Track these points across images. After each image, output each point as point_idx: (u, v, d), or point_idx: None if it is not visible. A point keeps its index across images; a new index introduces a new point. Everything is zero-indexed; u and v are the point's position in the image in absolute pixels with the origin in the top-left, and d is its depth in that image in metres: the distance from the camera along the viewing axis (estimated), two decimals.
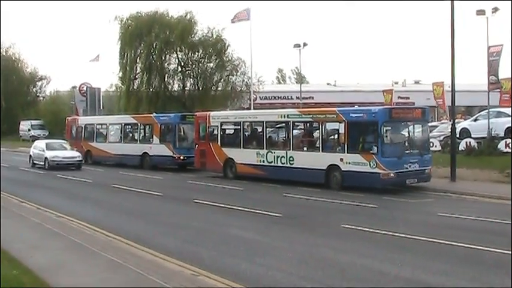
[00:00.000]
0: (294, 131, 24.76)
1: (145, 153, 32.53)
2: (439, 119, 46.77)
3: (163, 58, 51.04)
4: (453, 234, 13.36)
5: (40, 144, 35.13)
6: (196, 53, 51.40)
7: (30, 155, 35.28)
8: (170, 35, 49.06)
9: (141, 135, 34.38)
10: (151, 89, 51.42)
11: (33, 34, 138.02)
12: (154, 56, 50.68)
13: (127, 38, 49.95)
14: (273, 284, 9.69)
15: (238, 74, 51.24)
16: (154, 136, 32.93)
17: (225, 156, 27.00)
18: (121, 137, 35.66)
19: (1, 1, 52.87)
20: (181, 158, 30.88)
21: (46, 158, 32.78)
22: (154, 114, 34.75)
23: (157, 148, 32.00)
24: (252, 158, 25.56)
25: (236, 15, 43.03)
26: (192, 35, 50.66)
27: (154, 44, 50.11)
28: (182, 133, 31.86)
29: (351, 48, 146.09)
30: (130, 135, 35.63)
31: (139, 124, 34.71)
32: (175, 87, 53.36)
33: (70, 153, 33.57)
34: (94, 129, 38.00)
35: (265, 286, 9.61)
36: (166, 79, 52.19)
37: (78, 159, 33.13)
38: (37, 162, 34.00)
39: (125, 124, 36.02)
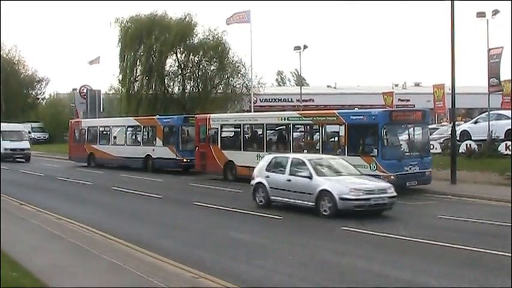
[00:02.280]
0: (294, 133, 24.76)
1: (148, 155, 32.39)
2: (439, 121, 46.79)
3: (163, 60, 51.04)
4: (453, 237, 13.37)
5: (292, 163, 17.64)
6: (197, 55, 51.43)
7: (260, 184, 18.12)
8: (170, 37, 49.06)
9: (145, 137, 34.17)
10: (151, 92, 51.41)
11: (33, 36, 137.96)
12: (154, 58, 50.68)
13: (127, 40, 49.93)
14: (273, 286, 9.68)
15: (239, 76, 51.29)
16: (157, 138, 32.74)
17: (225, 159, 26.98)
18: (124, 140, 35.43)
19: (1, 2, 52.59)
20: (185, 160, 30.60)
21: (330, 195, 15.94)
22: (158, 116, 34.62)
23: (161, 151, 31.80)
24: (252, 161, 25.43)
25: (232, 17, 42.72)
26: (192, 37, 50.70)
27: (154, 47, 50.14)
28: (185, 135, 31.60)
29: (351, 50, 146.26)
30: (134, 137, 35.35)
31: (142, 126, 34.51)
32: (176, 89, 53.38)
33: (375, 183, 17.03)
34: (97, 132, 37.76)
35: None
36: (166, 81, 52.19)
37: (390, 194, 16.38)
38: (281, 199, 17.64)
39: (128, 126, 35.83)
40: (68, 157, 39.94)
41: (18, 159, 41.48)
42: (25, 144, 42.65)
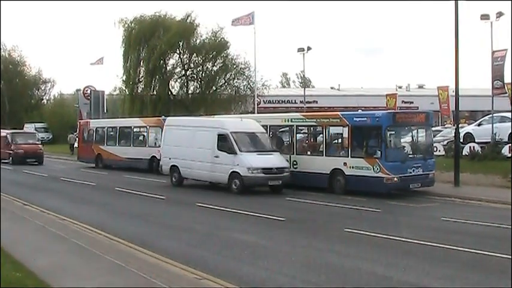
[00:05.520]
0: (298, 135, 24.73)
1: (153, 157, 32.11)
2: (442, 123, 46.75)
3: (166, 61, 51.11)
4: (457, 239, 13.33)
5: None
6: (199, 56, 51.48)
7: None
8: (172, 38, 49.10)
9: (150, 138, 33.82)
10: (154, 92, 51.45)
11: (38, 37, 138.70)
12: (157, 59, 50.71)
13: (131, 41, 50.08)
14: None
15: (243, 77, 51.36)
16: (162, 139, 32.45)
17: None
18: (130, 141, 35.17)
19: (1, 2, 52.52)
20: None
21: None
22: (163, 116, 34.47)
23: None
24: None
25: (238, 19, 42.60)
26: (194, 38, 50.76)
27: (158, 47, 50.18)
28: None
29: (355, 52, 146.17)
30: (140, 138, 35.08)
31: (148, 127, 34.18)
32: (179, 90, 53.44)
33: None
34: (105, 132, 37.39)
35: None
36: (169, 82, 52.23)
37: None
38: None
39: (134, 127, 35.56)
40: (77, 158, 39.82)
41: (272, 186, 22.66)
42: (279, 160, 22.85)
